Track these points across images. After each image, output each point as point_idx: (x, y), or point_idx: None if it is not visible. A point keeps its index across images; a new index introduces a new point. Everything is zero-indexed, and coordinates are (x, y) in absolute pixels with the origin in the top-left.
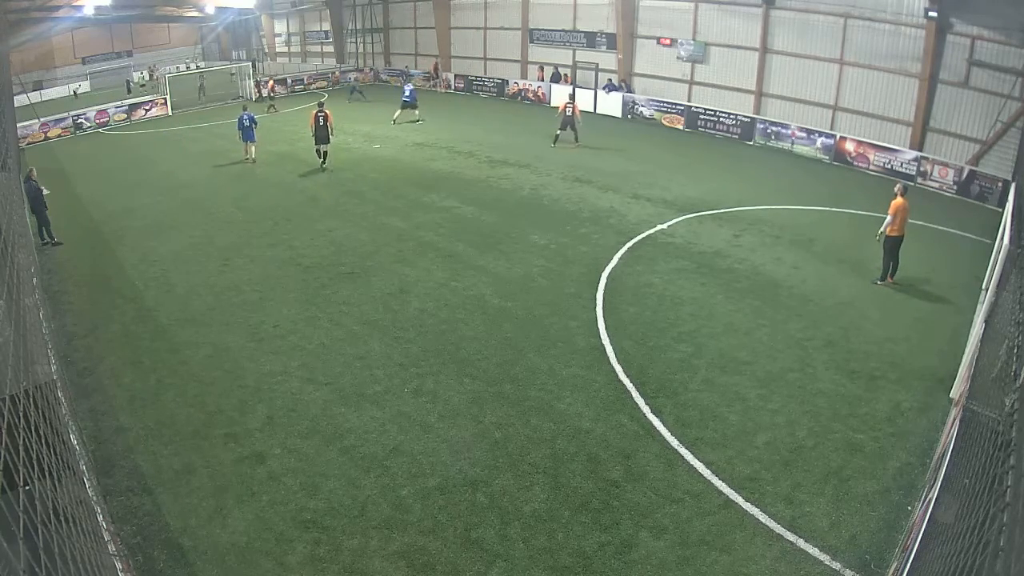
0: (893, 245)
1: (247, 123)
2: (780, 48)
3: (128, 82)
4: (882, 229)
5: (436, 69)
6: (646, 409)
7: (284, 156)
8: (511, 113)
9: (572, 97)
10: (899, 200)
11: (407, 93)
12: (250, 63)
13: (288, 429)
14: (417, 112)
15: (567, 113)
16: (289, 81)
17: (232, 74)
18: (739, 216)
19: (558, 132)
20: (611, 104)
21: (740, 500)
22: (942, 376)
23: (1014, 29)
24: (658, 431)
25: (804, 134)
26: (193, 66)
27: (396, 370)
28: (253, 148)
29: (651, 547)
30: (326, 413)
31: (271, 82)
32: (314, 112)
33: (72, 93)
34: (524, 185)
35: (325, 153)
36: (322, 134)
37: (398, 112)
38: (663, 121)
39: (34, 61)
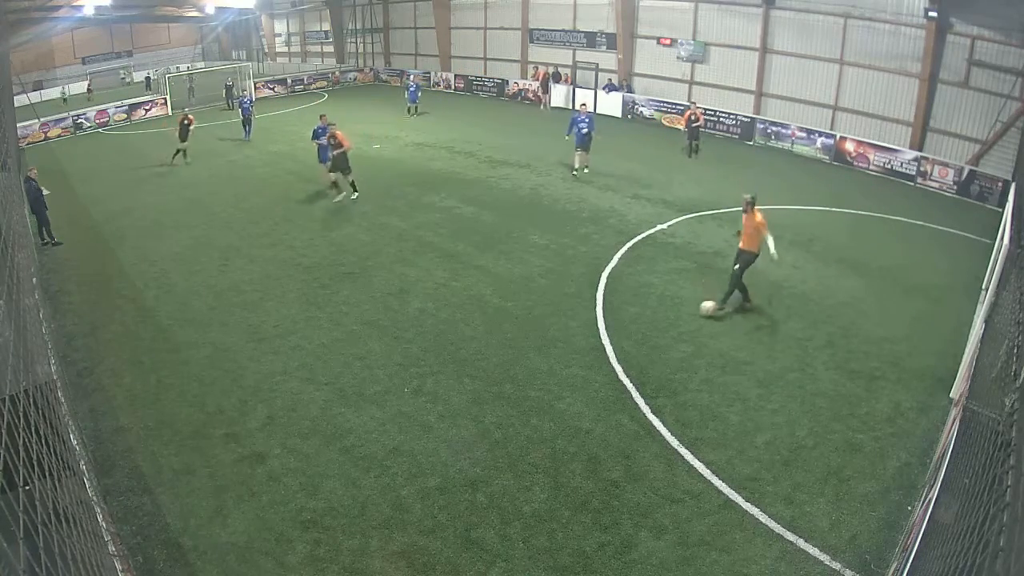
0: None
1: (414, 89)
2: (780, 48)
3: (148, 78)
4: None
5: (546, 80)
6: (646, 409)
7: (284, 156)
8: (511, 113)
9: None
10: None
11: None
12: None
13: (288, 429)
14: (587, 154)
15: (692, 121)
16: (289, 81)
17: (192, 80)
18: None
19: (688, 143)
20: (611, 104)
21: (740, 500)
22: (942, 376)
23: (1014, 29)
24: (658, 431)
25: (804, 134)
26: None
27: (396, 370)
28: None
29: (651, 547)
30: (326, 413)
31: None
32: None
33: (62, 98)
34: (524, 185)
35: None
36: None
37: (578, 154)
38: (663, 121)
39: (34, 61)
